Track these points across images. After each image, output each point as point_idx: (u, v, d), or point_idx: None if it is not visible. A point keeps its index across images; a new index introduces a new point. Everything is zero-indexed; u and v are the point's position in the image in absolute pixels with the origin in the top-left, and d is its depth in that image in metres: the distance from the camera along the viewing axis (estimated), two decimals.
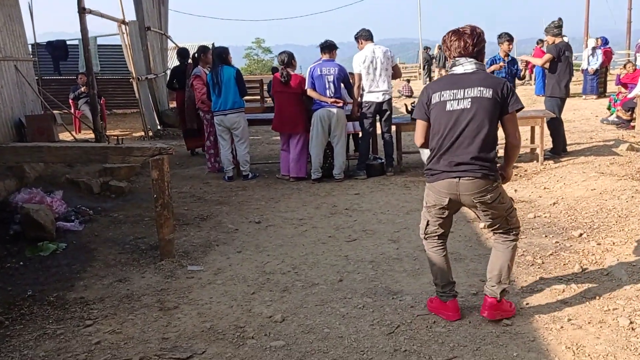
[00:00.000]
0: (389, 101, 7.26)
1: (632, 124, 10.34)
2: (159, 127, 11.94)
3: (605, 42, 16.18)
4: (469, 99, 3.08)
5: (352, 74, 7.22)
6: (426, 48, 26.19)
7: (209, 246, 4.90)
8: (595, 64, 15.62)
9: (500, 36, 7.90)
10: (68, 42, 14.68)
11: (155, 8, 13.73)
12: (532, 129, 7.82)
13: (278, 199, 6.46)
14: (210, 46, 25.94)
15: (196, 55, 8.03)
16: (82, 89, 11.96)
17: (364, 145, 7.32)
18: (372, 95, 7.13)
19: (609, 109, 11.68)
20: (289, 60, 7.24)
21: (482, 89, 3.08)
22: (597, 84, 16.02)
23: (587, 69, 15.80)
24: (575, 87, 15.07)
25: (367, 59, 7.03)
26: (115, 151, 4.34)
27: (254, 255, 4.64)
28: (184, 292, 3.92)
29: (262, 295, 3.80)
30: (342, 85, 7.12)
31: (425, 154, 7.23)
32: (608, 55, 16.34)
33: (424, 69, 25.26)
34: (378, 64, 7.07)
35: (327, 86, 6.94)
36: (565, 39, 8.32)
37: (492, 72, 7.83)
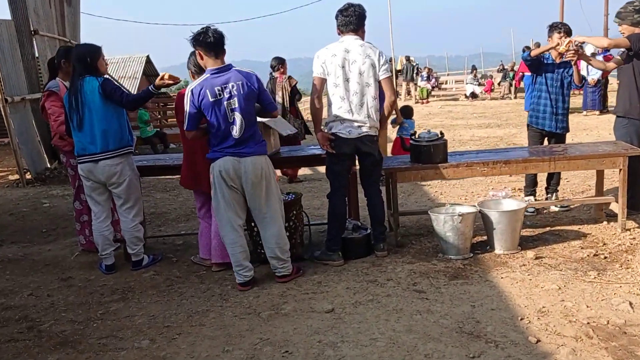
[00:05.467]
0: (372, 138, 4.31)
1: None
2: (47, 166, 8.67)
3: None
4: None
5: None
6: (389, 60, 23.56)
7: None
8: (595, 74, 13.19)
9: (551, 27, 5.12)
10: None
11: (54, 8, 10.49)
12: (600, 173, 4.98)
13: (179, 325, 3.37)
14: (144, 58, 22.76)
15: (55, 61, 4.86)
16: None
17: (335, 209, 4.31)
18: (344, 125, 4.18)
19: None
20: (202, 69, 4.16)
21: None
22: (600, 97, 13.65)
23: (586, 80, 13.36)
24: (573, 100, 12.67)
25: (336, 59, 4.11)
26: None
27: None
28: None
29: None
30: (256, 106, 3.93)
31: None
32: None
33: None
34: (354, 71, 4.14)
35: (230, 119, 3.72)
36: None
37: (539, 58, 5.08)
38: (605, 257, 4.06)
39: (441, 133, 4.57)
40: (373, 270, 4.07)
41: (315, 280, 3.96)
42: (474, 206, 4.39)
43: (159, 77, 4.23)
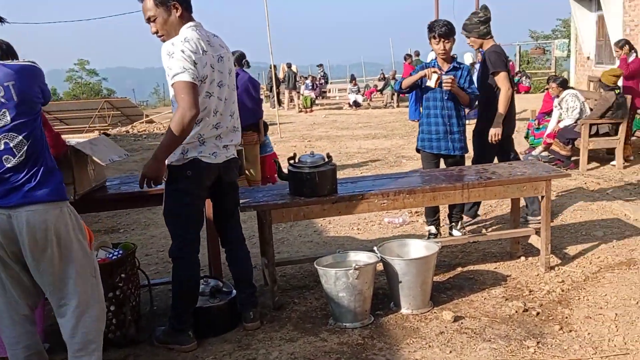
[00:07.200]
0: (237, 162, 3.15)
1: (572, 160, 7.39)
2: None
3: None
4: None
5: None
6: (272, 67, 22.56)
7: None
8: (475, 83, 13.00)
9: (428, 28, 4.27)
10: None
11: None
12: (516, 200, 4.12)
13: None
14: None
15: None
16: None
17: (184, 272, 2.94)
18: (207, 146, 2.91)
19: (527, 138, 8.75)
20: None
21: None
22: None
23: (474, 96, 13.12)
24: None
25: (207, 57, 2.81)
26: None
27: None
28: None
29: None
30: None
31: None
32: None
33: (270, 90, 21.54)
34: (225, 72, 2.94)
35: None
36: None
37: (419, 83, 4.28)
38: (538, 314, 3.17)
39: (328, 156, 3.47)
40: (238, 358, 2.84)
41: None
42: (374, 252, 3.34)
43: None
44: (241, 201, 3.27)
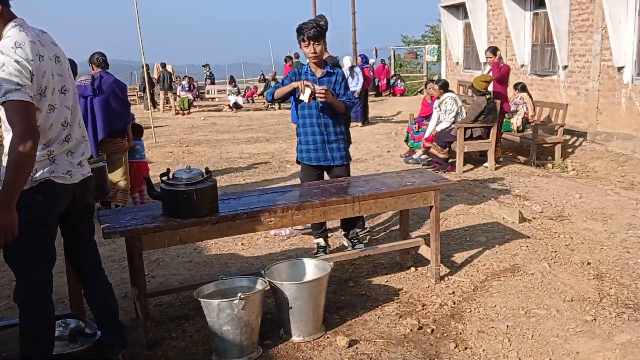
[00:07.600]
0: (92, 180, 2.67)
1: (449, 163, 7.64)
2: None
3: (365, 60, 13.99)
4: None
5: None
6: (145, 66, 21.36)
7: None
8: (356, 86, 13.18)
9: (300, 30, 3.95)
10: None
11: None
12: (405, 210, 4.00)
13: None
14: None
15: None
16: None
17: (37, 318, 2.39)
18: (60, 165, 2.41)
19: (406, 141, 8.93)
20: None
21: None
22: (361, 108, 13.71)
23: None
24: None
25: (45, 62, 2.31)
26: None
27: None
28: None
29: None
30: None
31: None
32: (369, 75, 14.17)
33: (143, 91, 20.38)
34: (65, 74, 2.47)
35: None
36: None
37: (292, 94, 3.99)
38: (433, 331, 3.06)
39: (207, 171, 3.10)
40: None
41: None
42: (261, 275, 3.03)
43: None
44: (105, 225, 2.82)
